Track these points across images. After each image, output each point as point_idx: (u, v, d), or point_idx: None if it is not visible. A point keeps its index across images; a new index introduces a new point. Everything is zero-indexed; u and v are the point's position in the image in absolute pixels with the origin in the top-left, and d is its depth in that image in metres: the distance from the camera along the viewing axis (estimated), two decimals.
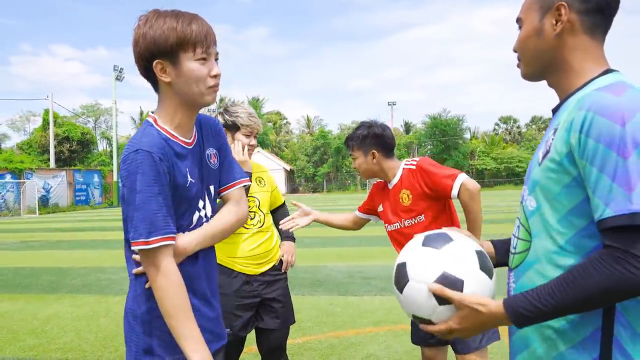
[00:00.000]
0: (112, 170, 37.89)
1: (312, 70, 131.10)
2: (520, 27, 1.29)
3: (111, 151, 57.41)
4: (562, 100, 1.23)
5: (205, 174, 1.60)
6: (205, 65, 1.44)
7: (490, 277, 1.27)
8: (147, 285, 1.45)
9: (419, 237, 1.38)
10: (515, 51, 1.32)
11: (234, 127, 2.57)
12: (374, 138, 2.52)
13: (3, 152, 40.69)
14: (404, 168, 2.50)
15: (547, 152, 1.17)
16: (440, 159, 57.17)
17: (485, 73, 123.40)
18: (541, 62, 1.24)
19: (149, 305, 1.45)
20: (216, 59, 1.49)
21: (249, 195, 2.64)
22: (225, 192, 1.66)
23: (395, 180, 2.51)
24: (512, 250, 1.31)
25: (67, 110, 60.30)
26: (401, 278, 1.32)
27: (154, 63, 1.43)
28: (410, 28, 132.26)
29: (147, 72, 1.47)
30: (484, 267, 1.28)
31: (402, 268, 1.33)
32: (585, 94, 1.12)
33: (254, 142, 2.60)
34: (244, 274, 2.59)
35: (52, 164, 35.53)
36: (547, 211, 1.15)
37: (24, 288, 7.08)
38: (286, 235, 2.88)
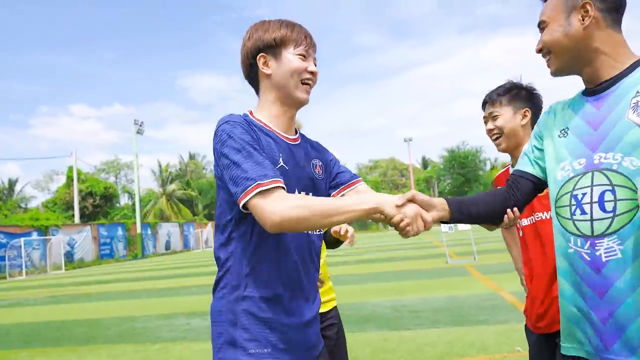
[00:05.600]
0: (136, 223, 37.98)
1: (327, 113, 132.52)
2: (543, 29, 1.46)
3: (133, 204, 58.14)
4: (611, 80, 1.38)
5: (306, 176, 1.56)
6: (304, 61, 1.53)
7: None
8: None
9: None
10: (540, 51, 1.47)
11: None
12: (530, 95, 2.12)
13: (29, 211, 41.27)
14: None
15: None
16: (461, 191, 56.52)
17: None
18: (573, 54, 1.41)
19: (237, 294, 1.42)
20: (314, 65, 1.57)
21: None
22: (351, 188, 1.68)
23: None
24: (600, 216, 1.30)
25: (90, 166, 61.58)
26: None
27: (258, 57, 1.53)
28: (420, 66, 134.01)
29: (251, 70, 1.57)
30: None
31: None
32: None
33: None
34: None
35: (76, 219, 35.83)
36: None
37: (55, 341, 6.78)
38: None
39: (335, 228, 2.19)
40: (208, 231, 49.65)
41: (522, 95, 2.10)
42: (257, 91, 1.59)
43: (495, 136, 2.14)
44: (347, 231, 2.19)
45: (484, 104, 2.20)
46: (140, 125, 39.14)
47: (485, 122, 2.18)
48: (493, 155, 61.65)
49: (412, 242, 23.77)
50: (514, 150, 2.11)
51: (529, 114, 2.08)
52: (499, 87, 2.15)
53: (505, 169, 2.33)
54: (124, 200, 60.10)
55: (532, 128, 1.84)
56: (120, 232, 36.36)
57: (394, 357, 4.56)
